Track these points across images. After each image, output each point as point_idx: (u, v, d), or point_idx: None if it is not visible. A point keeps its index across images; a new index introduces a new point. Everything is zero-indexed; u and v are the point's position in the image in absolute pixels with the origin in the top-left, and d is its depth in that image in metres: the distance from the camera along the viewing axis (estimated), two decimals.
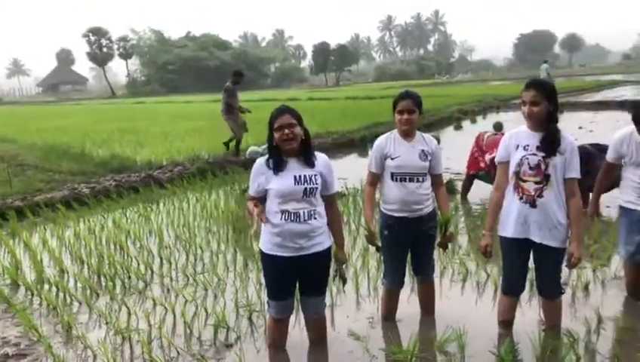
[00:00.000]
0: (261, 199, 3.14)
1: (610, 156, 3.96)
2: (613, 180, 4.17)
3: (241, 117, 10.99)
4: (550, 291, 3.39)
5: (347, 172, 8.22)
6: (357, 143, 13.12)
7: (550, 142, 3.16)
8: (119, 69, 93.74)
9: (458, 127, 16.41)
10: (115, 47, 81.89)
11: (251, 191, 3.17)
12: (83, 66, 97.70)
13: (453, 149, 9.56)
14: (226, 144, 11.30)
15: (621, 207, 3.94)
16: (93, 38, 79.29)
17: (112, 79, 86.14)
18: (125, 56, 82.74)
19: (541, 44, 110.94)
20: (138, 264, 5.12)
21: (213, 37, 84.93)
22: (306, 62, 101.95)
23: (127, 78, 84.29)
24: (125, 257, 5.32)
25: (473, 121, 18.04)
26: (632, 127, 3.83)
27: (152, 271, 4.92)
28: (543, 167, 3.16)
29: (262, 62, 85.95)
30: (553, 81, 33.12)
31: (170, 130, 16.59)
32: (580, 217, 3.22)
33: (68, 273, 4.96)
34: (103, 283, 4.70)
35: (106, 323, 3.88)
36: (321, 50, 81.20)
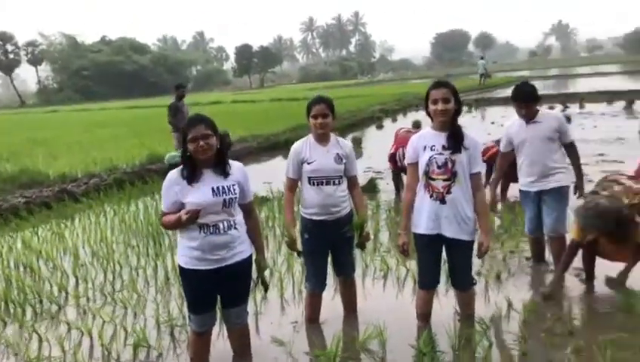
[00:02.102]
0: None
1: (501, 146, 4.60)
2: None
3: None
4: (463, 283, 3.56)
5: (272, 175, 8.19)
6: (282, 146, 13.10)
7: (455, 140, 3.32)
8: (28, 76, 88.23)
9: (380, 126, 16.83)
10: (23, 52, 76.99)
11: (164, 207, 3.06)
12: None
13: (376, 148, 9.78)
14: None
15: (519, 190, 4.60)
16: None
17: (20, 87, 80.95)
18: (34, 62, 77.92)
19: (456, 42, 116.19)
20: (51, 286, 4.84)
21: (130, 40, 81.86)
22: (229, 65, 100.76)
23: (37, 86, 79.51)
24: (36, 280, 5.02)
25: (394, 120, 18.57)
26: (516, 117, 4.42)
27: (67, 293, 4.67)
28: (449, 165, 3.32)
29: (182, 66, 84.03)
30: (490, 76, 35.10)
31: (85, 139, 15.87)
32: (487, 209, 3.43)
33: None
34: (11, 310, 4.40)
35: (15, 354, 3.64)
36: (244, 52, 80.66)
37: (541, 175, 4.31)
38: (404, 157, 7.07)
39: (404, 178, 7.51)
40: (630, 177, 4.02)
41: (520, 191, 4.59)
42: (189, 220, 2.90)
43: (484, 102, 21.76)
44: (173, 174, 3.07)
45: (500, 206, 6.16)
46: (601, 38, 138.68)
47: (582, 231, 3.86)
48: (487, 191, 4.11)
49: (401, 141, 7.30)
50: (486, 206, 3.44)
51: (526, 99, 4.30)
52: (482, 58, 36.49)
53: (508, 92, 23.65)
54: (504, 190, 7.02)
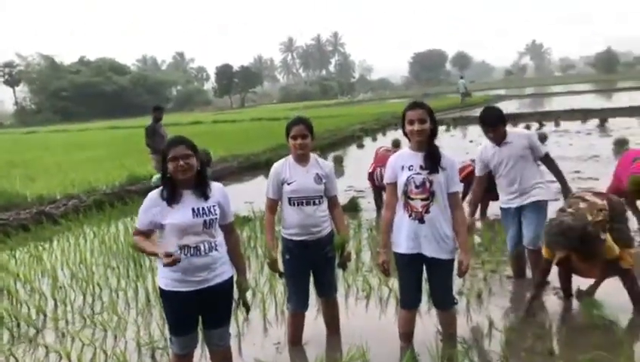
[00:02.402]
0: (147, 233, 3.05)
1: (476, 171, 4.74)
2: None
3: None
4: (444, 303, 3.58)
5: (253, 195, 8.17)
6: (263, 166, 13.09)
7: (432, 160, 3.38)
8: (5, 97, 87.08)
9: (360, 146, 16.96)
10: (0, 73, 76.11)
11: (140, 225, 3.04)
12: None
13: (356, 167, 9.85)
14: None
15: (500, 208, 4.73)
16: None
17: None
18: (12, 83, 77.10)
19: (434, 62, 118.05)
20: (29, 309, 4.76)
21: (109, 61, 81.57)
22: (209, 85, 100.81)
23: (14, 107, 78.45)
24: (14, 303, 4.93)
25: (374, 139, 18.73)
26: (486, 140, 4.58)
27: (45, 316, 4.60)
28: (427, 184, 3.37)
29: (162, 86, 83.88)
30: (470, 94, 36.04)
31: (64, 160, 15.68)
32: (465, 227, 3.49)
33: None
34: None
35: None
36: (224, 72, 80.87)
37: (521, 192, 4.45)
38: (381, 178, 7.22)
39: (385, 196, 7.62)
40: (595, 194, 4.06)
41: (501, 208, 4.71)
42: (167, 265, 2.84)
43: (463, 120, 22.08)
44: (154, 195, 3.05)
45: (479, 224, 6.26)
46: (573, 57, 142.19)
47: (550, 249, 3.90)
48: (466, 209, 4.19)
49: (380, 160, 7.39)
50: (465, 224, 3.50)
51: (493, 123, 4.45)
52: (462, 77, 37.74)
53: (460, 115, 23.95)
54: (484, 208, 7.12)
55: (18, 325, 4.42)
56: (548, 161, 4.60)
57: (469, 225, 4.51)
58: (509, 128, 4.54)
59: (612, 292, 4.32)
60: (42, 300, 4.94)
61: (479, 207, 7.18)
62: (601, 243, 3.75)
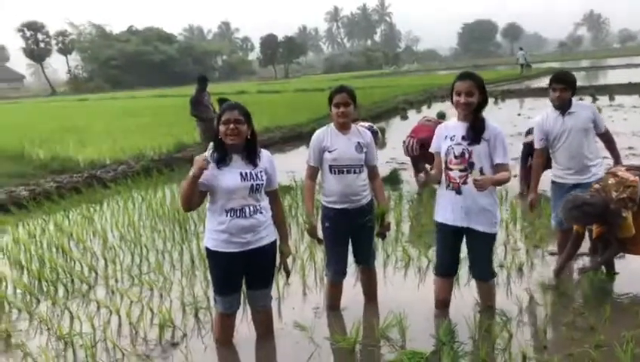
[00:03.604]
0: (201, 194, 3.14)
1: (536, 143, 4.40)
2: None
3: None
4: (482, 274, 3.57)
5: (296, 165, 8.22)
6: (305, 136, 13.12)
7: (474, 131, 3.33)
8: (59, 65, 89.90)
9: (404, 117, 16.74)
10: (54, 42, 78.30)
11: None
12: (19, 63, 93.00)
13: (399, 139, 9.74)
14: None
15: (552, 182, 4.41)
16: (28, 33, 75.49)
17: (51, 76, 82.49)
18: (65, 51, 79.34)
19: (484, 33, 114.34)
20: (81, 266, 5.02)
21: (157, 30, 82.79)
22: (254, 55, 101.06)
23: (68, 75, 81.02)
24: (68, 260, 5.20)
25: (418, 111, 18.42)
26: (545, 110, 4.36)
27: (96, 274, 4.84)
28: (466, 155, 3.33)
29: (209, 56, 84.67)
30: (530, 66, 35.64)
31: (114, 127, 16.17)
32: (503, 176, 3.36)
33: (6, 280, 4.79)
34: (45, 288, 4.58)
35: (48, 329, 3.80)
36: (269, 42, 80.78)
37: (579, 168, 4.20)
38: (412, 148, 7.15)
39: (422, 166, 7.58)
40: (630, 169, 3.91)
41: (553, 182, 4.42)
42: (199, 169, 2.95)
43: (511, 93, 21.42)
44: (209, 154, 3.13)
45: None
46: (634, 28, 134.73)
47: (567, 222, 3.94)
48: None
49: (415, 131, 7.32)
50: (504, 176, 3.38)
51: (564, 81, 4.16)
52: (522, 49, 37.89)
53: (535, 84, 23.31)
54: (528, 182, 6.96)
55: (72, 281, 4.67)
56: (607, 136, 4.37)
57: (531, 202, 4.39)
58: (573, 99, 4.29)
59: None
60: (94, 259, 5.20)
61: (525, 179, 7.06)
62: (624, 221, 3.69)
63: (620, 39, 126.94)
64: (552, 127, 4.24)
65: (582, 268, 4.20)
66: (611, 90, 18.97)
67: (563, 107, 4.19)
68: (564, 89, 4.14)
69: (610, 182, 3.81)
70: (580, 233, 4.03)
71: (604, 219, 3.79)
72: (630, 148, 9.05)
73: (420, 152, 7.16)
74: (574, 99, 4.31)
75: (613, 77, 26.47)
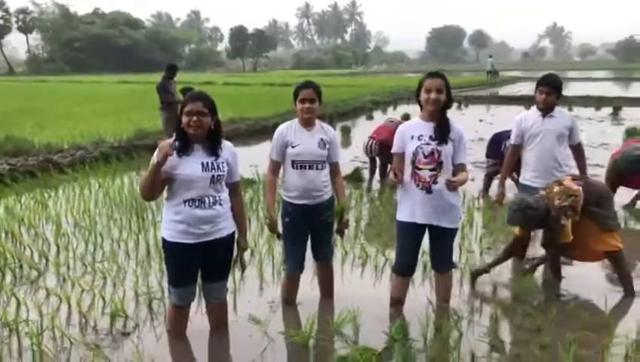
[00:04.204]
0: (162, 183, 3.09)
1: (512, 139, 4.57)
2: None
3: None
4: (445, 265, 3.68)
5: (259, 159, 8.17)
6: (270, 130, 12.99)
7: (442, 131, 3.40)
8: (18, 44, 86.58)
9: (370, 117, 16.86)
10: (14, 19, 75.53)
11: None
12: None
13: (364, 138, 9.82)
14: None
15: (520, 184, 4.58)
16: None
17: (10, 54, 79.35)
18: (25, 30, 76.56)
19: (452, 38, 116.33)
20: (32, 252, 4.87)
21: (124, 14, 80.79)
22: (223, 46, 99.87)
23: (27, 54, 78.19)
24: (17, 246, 5.04)
25: (384, 112, 18.62)
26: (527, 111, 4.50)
27: (47, 260, 4.70)
28: (436, 155, 3.40)
29: (176, 44, 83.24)
30: (497, 73, 36.91)
31: (73, 111, 15.73)
32: (465, 176, 3.47)
33: None
34: None
35: None
36: (239, 33, 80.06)
37: (546, 171, 4.33)
38: (371, 149, 7.30)
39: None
40: (575, 179, 4.08)
41: (520, 184, 4.60)
42: (163, 156, 2.92)
43: (474, 99, 21.90)
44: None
45: (480, 201, 6.28)
46: (594, 43, 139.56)
47: (509, 224, 4.13)
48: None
49: (376, 132, 7.59)
50: (466, 175, 3.48)
51: (550, 85, 4.30)
52: (491, 56, 39.81)
53: (500, 91, 23.87)
54: (487, 185, 7.16)
55: (21, 267, 4.52)
56: (579, 149, 4.50)
57: (498, 199, 4.62)
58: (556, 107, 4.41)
59: (599, 273, 4.39)
60: (45, 245, 5.04)
61: (483, 183, 7.26)
62: (562, 229, 3.86)
63: (580, 53, 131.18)
64: (529, 126, 4.40)
65: (523, 269, 4.35)
66: (570, 102, 19.58)
67: (547, 110, 4.34)
68: (550, 92, 4.29)
69: (554, 189, 3.97)
70: (520, 237, 4.21)
71: (545, 225, 3.97)
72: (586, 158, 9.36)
73: (380, 153, 7.32)
74: (557, 108, 4.42)
75: (573, 89, 27.34)
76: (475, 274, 4.27)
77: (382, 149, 7.34)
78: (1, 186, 7.23)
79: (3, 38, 75.94)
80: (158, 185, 3.06)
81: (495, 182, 7.20)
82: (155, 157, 2.95)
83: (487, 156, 7.43)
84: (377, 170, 7.74)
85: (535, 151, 4.39)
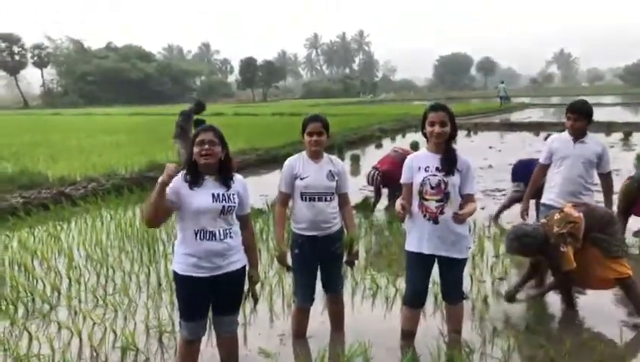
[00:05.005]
0: (167, 211, 3.12)
1: (541, 158, 4.63)
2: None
3: None
4: (455, 296, 3.65)
5: (269, 189, 8.24)
6: (281, 160, 13.09)
7: (449, 162, 3.43)
8: (33, 78, 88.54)
9: (378, 146, 16.93)
10: (29, 55, 77.50)
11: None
12: None
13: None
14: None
15: (542, 204, 4.57)
16: (3, 45, 74.59)
17: (25, 89, 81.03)
18: (40, 64, 78.47)
19: (459, 66, 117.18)
20: (44, 286, 4.90)
21: (135, 48, 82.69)
22: (233, 77, 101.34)
23: (42, 88, 79.88)
24: (30, 279, 5.08)
25: (393, 140, 18.69)
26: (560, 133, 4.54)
27: (59, 293, 4.73)
28: (443, 186, 3.42)
29: (187, 76, 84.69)
30: (509, 98, 37.17)
31: (86, 143, 15.96)
32: (473, 207, 3.48)
33: None
34: (3, 307, 4.44)
35: (5, 350, 3.68)
36: (248, 65, 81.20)
37: (571, 195, 4.33)
38: (373, 179, 7.42)
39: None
40: (576, 206, 4.07)
41: (543, 205, 4.57)
42: (168, 176, 2.94)
43: (483, 126, 21.93)
44: (179, 176, 3.13)
45: (492, 229, 6.25)
46: (602, 68, 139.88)
47: (507, 252, 4.20)
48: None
49: (380, 162, 7.68)
50: (474, 206, 3.50)
51: (579, 112, 4.34)
52: (502, 82, 39.90)
53: (507, 118, 23.82)
54: (499, 212, 7.15)
55: (33, 300, 4.55)
56: (607, 180, 4.49)
57: (522, 215, 4.72)
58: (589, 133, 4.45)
59: (614, 303, 4.33)
60: (57, 278, 5.08)
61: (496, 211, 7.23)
62: (562, 256, 3.85)
63: (588, 78, 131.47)
64: (559, 148, 4.45)
65: (527, 296, 4.31)
66: None
67: (577, 135, 4.38)
68: (577, 118, 4.33)
69: (555, 217, 3.98)
70: (534, 264, 4.21)
71: (544, 252, 3.97)
72: (595, 184, 9.30)
73: (382, 183, 7.43)
74: (591, 134, 4.46)
75: None
76: (510, 299, 4.28)
77: (384, 180, 7.45)
78: (14, 219, 7.32)
79: (19, 73, 77.78)
80: (161, 208, 3.04)
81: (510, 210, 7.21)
82: (160, 178, 2.99)
83: (514, 180, 7.41)
84: (380, 199, 7.84)
85: (562, 174, 4.41)
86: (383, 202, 7.82)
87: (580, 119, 4.33)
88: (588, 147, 4.37)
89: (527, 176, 7.02)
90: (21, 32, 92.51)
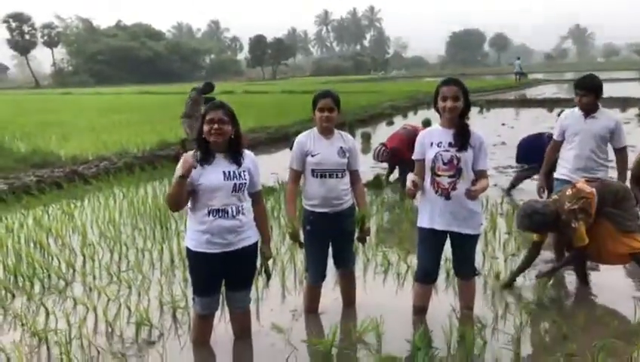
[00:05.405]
0: (188, 194, 3.13)
1: (554, 135, 4.60)
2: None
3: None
4: (467, 271, 3.65)
5: (280, 167, 8.24)
6: (291, 138, 13.13)
7: (462, 138, 3.39)
8: (44, 58, 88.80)
9: (390, 123, 16.81)
10: (39, 34, 77.60)
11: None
12: (3, 54, 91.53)
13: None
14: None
15: (556, 179, 4.54)
16: (14, 25, 74.63)
17: (36, 68, 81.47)
18: (50, 44, 78.58)
19: (471, 42, 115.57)
20: (59, 262, 4.97)
21: (145, 27, 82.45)
22: (243, 55, 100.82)
23: (52, 68, 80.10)
24: (45, 256, 5.15)
25: (405, 117, 18.56)
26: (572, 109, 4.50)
27: (74, 270, 4.79)
28: (455, 161, 3.38)
29: (197, 54, 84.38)
30: (525, 75, 36.85)
31: (97, 123, 16.03)
32: (485, 183, 3.45)
33: None
34: (20, 284, 4.52)
35: (22, 325, 3.75)
36: (258, 42, 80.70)
37: (584, 170, 4.31)
38: (379, 155, 7.46)
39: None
40: (589, 180, 4.04)
41: (556, 180, 4.54)
42: (187, 170, 2.97)
43: (496, 103, 21.69)
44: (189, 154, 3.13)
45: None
46: (618, 43, 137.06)
47: (519, 229, 4.19)
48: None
49: (389, 139, 7.67)
50: (486, 181, 3.46)
51: (589, 88, 4.29)
52: (519, 58, 39.27)
53: (523, 94, 23.52)
54: (514, 187, 7.16)
55: (49, 277, 4.62)
56: (621, 154, 4.41)
57: (539, 192, 4.72)
58: (602, 107, 4.40)
59: (629, 278, 4.30)
60: (72, 255, 5.14)
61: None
62: (573, 232, 3.84)
63: (604, 53, 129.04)
64: (570, 124, 4.42)
65: (538, 274, 4.28)
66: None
67: (587, 111, 4.33)
68: (585, 94, 4.29)
69: (567, 193, 3.95)
70: (538, 242, 4.16)
71: (556, 228, 3.96)
72: (610, 160, 9.19)
73: (389, 160, 7.43)
74: (603, 108, 4.41)
75: None
76: (505, 287, 4.23)
77: (391, 157, 7.43)
78: (29, 198, 7.40)
79: (29, 53, 77.96)
80: (184, 196, 3.10)
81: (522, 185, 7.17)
82: (178, 170, 2.99)
83: (518, 161, 7.39)
84: (393, 172, 7.93)
85: (574, 151, 4.39)
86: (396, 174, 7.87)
87: (587, 95, 4.28)
88: (599, 122, 4.30)
89: (528, 155, 7.05)
90: (31, 12, 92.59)
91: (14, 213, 6.69)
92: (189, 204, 3.21)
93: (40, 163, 9.32)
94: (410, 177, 3.42)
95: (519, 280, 4.33)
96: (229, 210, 3.12)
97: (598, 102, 4.34)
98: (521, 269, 4.26)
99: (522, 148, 7.35)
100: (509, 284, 4.25)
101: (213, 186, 3.07)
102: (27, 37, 75.89)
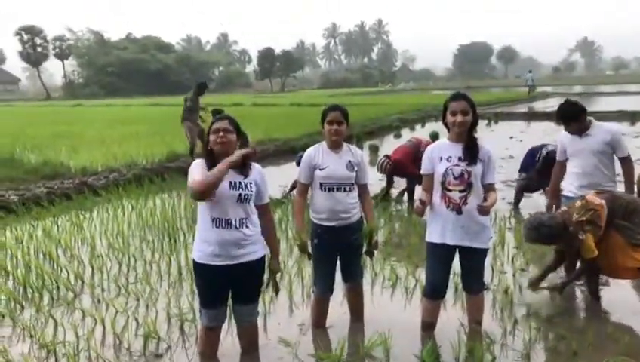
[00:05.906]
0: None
1: (557, 155, 4.66)
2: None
3: (200, 125, 10.98)
4: (476, 286, 3.63)
5: (288, 179, 8.27)
6: (299, 150, 13.18)
7: (471, 152, 3.39)
8: (55, 70, 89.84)
9: (397, 135, 16.82)
10: (51, 46, 78.50)
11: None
12: (15, 66, 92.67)
13: None
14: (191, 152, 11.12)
15: (564, 196, 4.56)
16: (26, 37, 75.62)
17: (47, 80, 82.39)
18: (61, 56, 79.49)
19: (479, 55, 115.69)
20: (68, 274, 4.98)
21: (154, 39, 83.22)
22: (251, 68, 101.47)
23: (63, 80, 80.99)
24: (54, 267, 5.17)
25: (412, 129, 18.56)
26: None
27: (83, 282, 4.81)
28: (466, 176, 3.38)
29: (205, 67, 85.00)
30: (535, 88, 37.19)
31: (107, 134, 16.14)
32: (495, 197, 3.43)
33: None
34: (29, 295, 4.55)
35: (31, 337, 3.77)
36: (267, 55, 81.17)
37: (589, 187, 4.30)
38: (382, 167, 7.51)
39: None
40: (599, 192, 4.03)
41: (564, 197, 4.56)
42: (246, 157, 3.12)
43: (504, 116, 21.65)
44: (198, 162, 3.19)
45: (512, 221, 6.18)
46: (627, 56, 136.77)
47: (525, 241, 4.21)
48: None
49: (394, 151, 7.71)
50: (495, 196, 3.44)
51: (564, 118, 4.37)
52: (530, 71, 39.33)
53: (532, 107, 23.46)
54: (519, 201, 7.14)
55: (58, 288, 4.64)
56: (627, 163, 4.41)
57: (550, 206, 4.70)
58: (596, 121, 4.42)
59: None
60: (81, 267, 5.17)
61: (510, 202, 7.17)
62: (581, 244, 3.84)
63: (613, 66, 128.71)
64: (568, 144, 4.47)
65: (549, 286, 4.26)
66: (602, 117, 19.16)
67: (578, 133, 4.38)
68: (566, 124, 4.40)
69: (576, 204, 3.95)
70: (558, 251, 4.18)
71: (563, 241, 3.96)
72: (617, 174, 9.13)
73: (392, 172, 7.56)
74: (597, 122, 4.43)
75: (606, 103, 26.81)
76: (534, 286, 4.29)
77: (394, 169, 7.48)
78: (38, 209, 7.45)
79: (41, 65, 78.92)
80: (218, 186, 3.03)
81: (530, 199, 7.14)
82: (233, 157, 3.07)
83: (520, 170, 7.42)
84: (391, 188, 7.91)
85: (577, 169, 4.44)
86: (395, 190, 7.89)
87: (568, 123, 4.37)
88: (595, 138, 4.32)
89: (527, 164, 7.12)
90: (43, 25, 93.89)
91: (24, 224, 6.74)
92: (198, 213, 3.22)
93: (50, 174, 9.39)
94: (418, 195, 3.42)
95: (532, 295, 4.29)
96: (233, 221, 3.12)
97: (583, 122, 4.35)
98: (550, 269, 4.32)
99: (524, 159, 7.44)
100: (536, 284, 4.28)
101: (218, 195, 3.08)
102: (39, 49, 76.81)
